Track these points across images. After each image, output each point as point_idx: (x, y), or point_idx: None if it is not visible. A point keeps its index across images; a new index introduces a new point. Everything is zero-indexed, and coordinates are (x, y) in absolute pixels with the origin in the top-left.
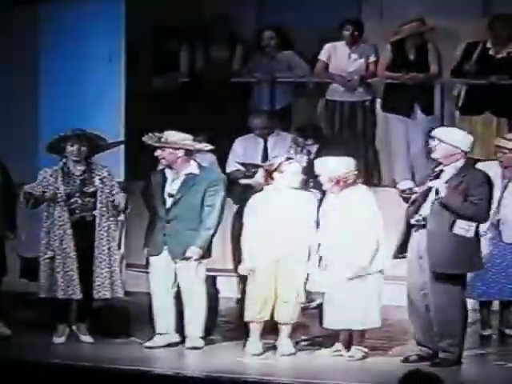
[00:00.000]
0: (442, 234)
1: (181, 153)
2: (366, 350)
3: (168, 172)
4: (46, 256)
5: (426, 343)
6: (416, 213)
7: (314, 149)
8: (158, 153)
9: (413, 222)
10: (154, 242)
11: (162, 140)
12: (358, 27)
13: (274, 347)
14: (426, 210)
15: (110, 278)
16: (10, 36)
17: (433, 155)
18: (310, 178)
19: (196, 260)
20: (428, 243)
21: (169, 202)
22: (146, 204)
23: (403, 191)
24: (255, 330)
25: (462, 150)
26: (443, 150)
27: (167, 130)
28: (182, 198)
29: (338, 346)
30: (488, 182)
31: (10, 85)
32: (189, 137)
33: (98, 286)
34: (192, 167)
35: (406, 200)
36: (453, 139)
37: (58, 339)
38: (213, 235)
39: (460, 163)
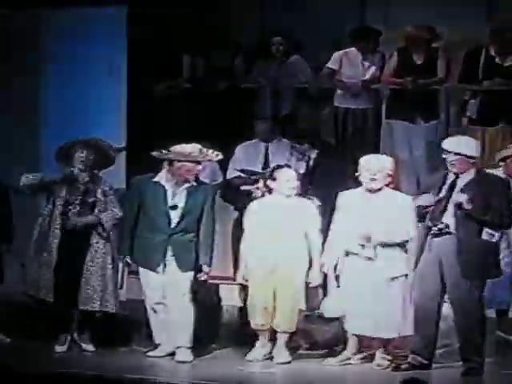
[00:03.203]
0: (470, 241)
1: (201, 166)
2: (390, 357)
3: (166, 184)
4: (32, 254)
5: (423, 352)
6: (437, 221)
7: (313, 155)
8: (198, 167)
9: (435, 230)
10: (153, 256)
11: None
12: (374, 35)
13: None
14: (448, 218)
15: (101, 290)
16: (11, 46)
17: (453, 169)
18: (309, 185)
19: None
20: (459, 251)
21: (173, 214)
22: (127, 214)
23: (425, 207)
24: (261, 337)
25: (475, 158)
26: (462, 163)
27: (168, 136)
28: (189, 210)
29: (347, 354)
30: (507, 185)
31: (10, 96)
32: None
33: (86, 298)
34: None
35: (424, 214)
36: (469, 150)
37: (60, 348)
38: None
39: (473, 170)
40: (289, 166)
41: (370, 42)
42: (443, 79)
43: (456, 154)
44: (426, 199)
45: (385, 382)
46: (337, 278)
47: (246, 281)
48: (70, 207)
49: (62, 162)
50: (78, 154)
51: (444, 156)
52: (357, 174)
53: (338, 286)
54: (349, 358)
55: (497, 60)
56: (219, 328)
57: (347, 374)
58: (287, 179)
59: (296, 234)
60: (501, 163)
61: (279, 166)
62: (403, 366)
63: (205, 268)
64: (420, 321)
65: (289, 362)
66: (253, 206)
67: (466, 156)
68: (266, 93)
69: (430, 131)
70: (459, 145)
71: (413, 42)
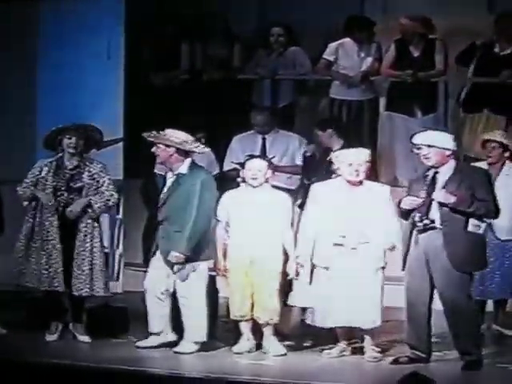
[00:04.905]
0: (457, 234)
1: (172, 151)
2: (378, 349)
3: (168, 174)
4: (21, 243)
5: (420, 346)
6: (424, 217)
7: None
8: (153, 149)
9: (421, 225)
10: (152, 243)
11: (159, 136)
12: (369, 25)
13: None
14: (433, 213)
15: (89, 275)
16: (10, 33)
17: (428, 163)
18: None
19: (179, 264)
20: (446, 244)
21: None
22: (145, 204)
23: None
24: (243, 328)
25: (452, 150)
26: (437, 155)
27: (166, 127)
28: (168, 198)
29: (342, 346)
30: (488, 175)
31: (8, 82)
32: (187, 137)
33: (80, 282)
34: (183, 167)
35: (406, 212)
36: (442, 142)
37: (51, 337)
38: (196, 236)
39: (453, 163)
40: (268, 158)
41: (365, 33)
42: (442, 71)
43: (430, 146)
44: (409, 203)
45: (380, 374)
46: (311, 271)
47: (226, 270)
48: (59, 193)
49: (51, 149)
50: (67, 140)
51: (417, 151)
52: (334, 167)
53: (310, 281)
54: (343, 350)
55: (495, 49)
56: (217, 320)
57: (343, 366)
58: (249, 169)
59: (270, 226)
60: (488, 149)
61: (252, 156)
62: (402, 360)
63: (169, 254)
64: (411, 316)
65: (284, 355)
66: (227, 196)
67: (439, 148)
68: (264, 84)
69: (428, 124)
70: (431, 137)
71: (408, 34)
